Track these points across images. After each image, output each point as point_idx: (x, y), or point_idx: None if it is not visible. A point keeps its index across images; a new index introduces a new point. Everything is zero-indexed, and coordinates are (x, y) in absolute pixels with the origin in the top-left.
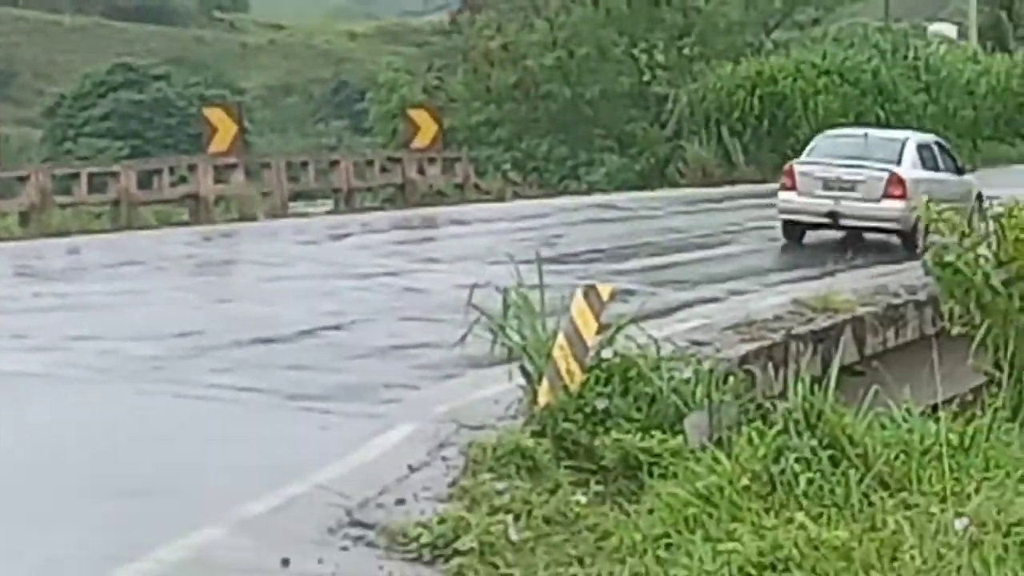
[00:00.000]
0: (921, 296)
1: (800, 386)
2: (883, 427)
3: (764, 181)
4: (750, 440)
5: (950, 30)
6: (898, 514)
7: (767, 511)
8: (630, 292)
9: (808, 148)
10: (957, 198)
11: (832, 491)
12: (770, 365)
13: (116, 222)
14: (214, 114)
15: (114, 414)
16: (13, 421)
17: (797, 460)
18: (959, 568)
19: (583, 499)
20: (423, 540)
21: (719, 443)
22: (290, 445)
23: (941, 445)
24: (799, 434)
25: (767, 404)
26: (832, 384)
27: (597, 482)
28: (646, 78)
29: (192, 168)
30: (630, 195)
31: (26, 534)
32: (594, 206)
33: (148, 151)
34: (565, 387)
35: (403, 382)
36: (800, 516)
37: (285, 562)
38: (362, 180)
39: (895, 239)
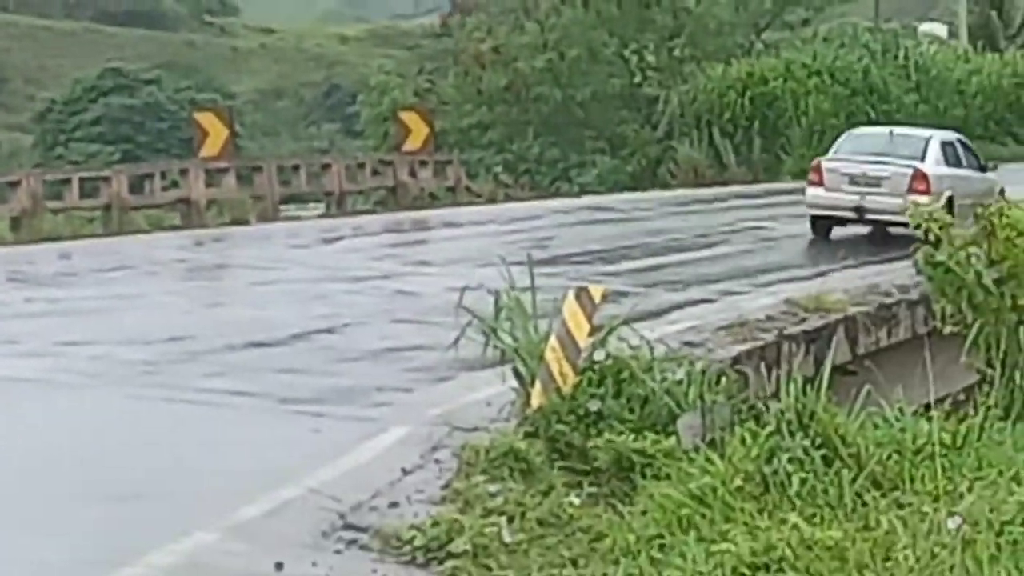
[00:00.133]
0: (913, 295)
1: (793, 386)
2: (876, 427)
3: (755, 181)
4: (743, 441)
5: (940, 30)
6: (891, 513)
7: (760, 511)
8: (622, 293)
9: (835, 145)
10: (980, 194)
11: (825, 491)
12: (763, 365)
13: (108, 227)
14: (205, 118)
15: (106, 419)
16: (5, 426)
17: (790, 460)
18: (952, 567)
19: (576, 501)
20: (416, 543)
21: (712, 444)
22: (283, 449)
23: (934, 444)
24: (792, 434)
25: (760, 405)
26: (825, 384)
27: (590, 483)
28: (637, 80)
29: (183, 172)
30: (622, 196)
31: (17, 539)
32: (586, 208)
33: (139, 156)
34: (558, 389)
35: (396, 385)
36: (793, 516)
37: (278, 566)
38: (354, 183)
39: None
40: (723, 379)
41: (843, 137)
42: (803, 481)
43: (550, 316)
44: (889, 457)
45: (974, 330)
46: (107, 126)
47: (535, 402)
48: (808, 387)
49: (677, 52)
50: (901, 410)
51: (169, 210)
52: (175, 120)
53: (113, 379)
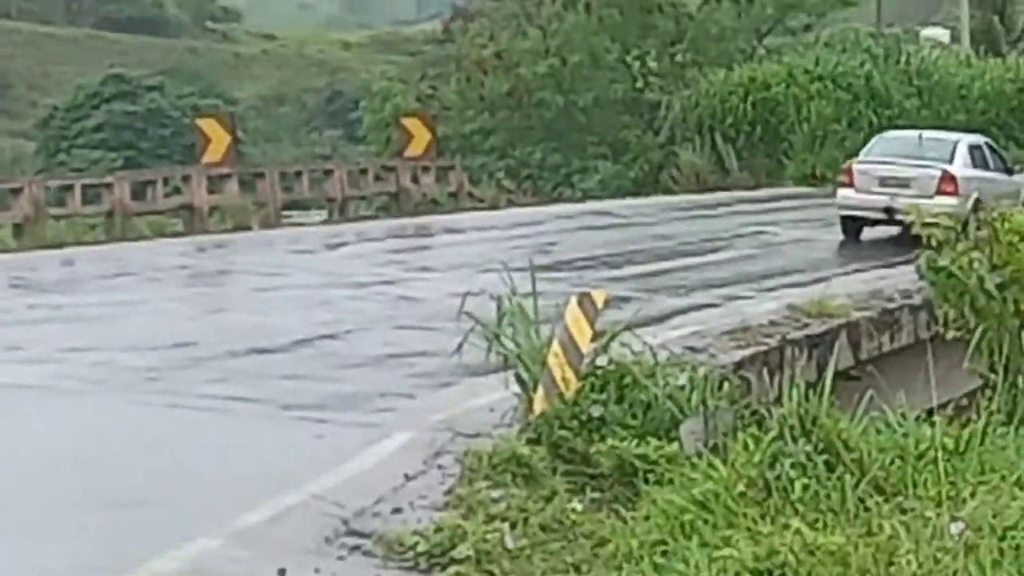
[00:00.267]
0: (916, 300)
1: (795, 392)
2: (878, 432)
3: (758, 187)
4: (746, 446)
5: (942, 35)
6: (894, 519)
7: (763, 517)
8: (625, 299)
9: (865, 148)
10: (1006, 196)
11: (828, 496)
12: (765, 371)
13: (110, 233)
14: (207, 124)
15: (108, 425)
16: (7, 433)
17: (793, 466)
18: (955, 572)
19: (579, 506)
20: (419, 549)
21: (715, 449)
22: (285, 454)
23: (936, 449)
24: (794, 440)
25: (762, 410)
26: (827, 389)
27: (593, 489)
28: (639, 85)
29: (186, 179)
30: (624, 202)
31: (19, 546)
32: (588, 213)
33: (142, 162)
34: (560, 395)
35: (399, 391)
36: (796, 522)
37: (281, 572)
38: (356, 189)
39: None
40: (726, 384)
41: (873, 140)
42: (806, 486)
43: (552, 322)
44: (892, 462)
45: (977, 335)
46: (110, 132)
47: (538, 408)
48: (811, 392)
49: (679, 57)
50: (904, 415)
51: (171, 216)
52: (177, 126)
53: (116, 385)
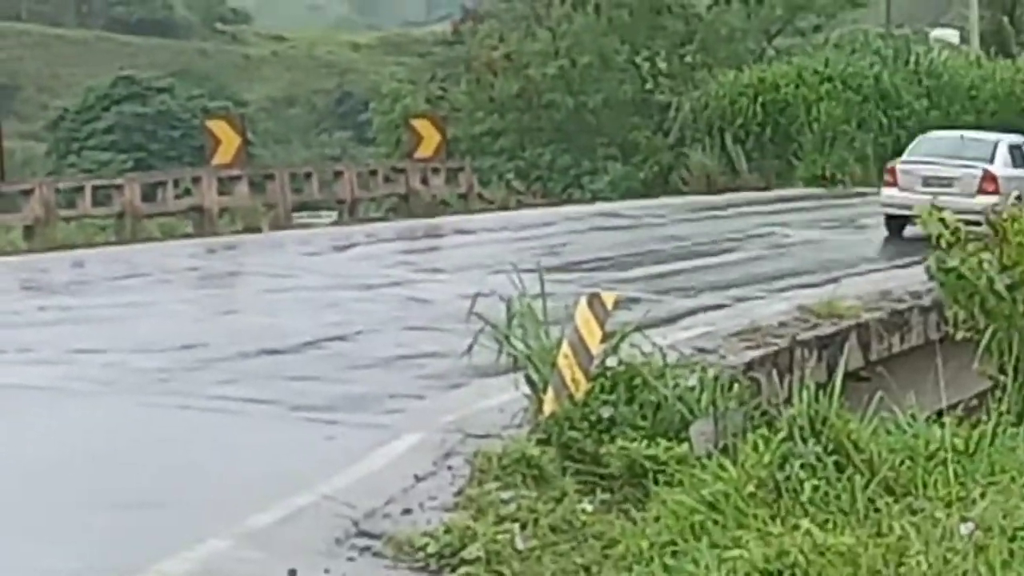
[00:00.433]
0: (926, 301)
1: (805, 392)
2: (888, 433)
3: (767, 188)
4: (755, 447)
5: (952, 36)
6: (904, 519)
7: (773, 518)
8: (634, 300)
9: (908, 149)
10: None
11: (838, 497)
12: (775, 372)
13: (120, 235)
14: (217, 126)
15: (119, 426)
16: (18, 434)
17: (803, 467)
18: (965, 573)
19: (589, 507)
20: (429, 550)
21: (724, 450)
22: (296, 456)
23: (946, 450)
24: (804, 440)
25: (772, 411)
26: (837, 390)
27: (603, 490)
28: (648, 86)
29: (196, 180)
30: (634, 203)
31: (30, 547)
32: (598, 214)
33: (152, 164)
34: (570, 395)
35: (408, 392)
36: (806, 522)
37: (292, 573)
38: (366, 191)
39: None
40: (736, 385)
41: (916, 140)
42: (815, 487)
43: (562, 323)
44: (902, 463)
45: (986, 336)
46: (120, 134)
47: (547, 409)
48: (820, 393)
49: (689, 59)
50: (913, 416)
51: (182, 218)
52: (187, 128)
53: (126, 387)
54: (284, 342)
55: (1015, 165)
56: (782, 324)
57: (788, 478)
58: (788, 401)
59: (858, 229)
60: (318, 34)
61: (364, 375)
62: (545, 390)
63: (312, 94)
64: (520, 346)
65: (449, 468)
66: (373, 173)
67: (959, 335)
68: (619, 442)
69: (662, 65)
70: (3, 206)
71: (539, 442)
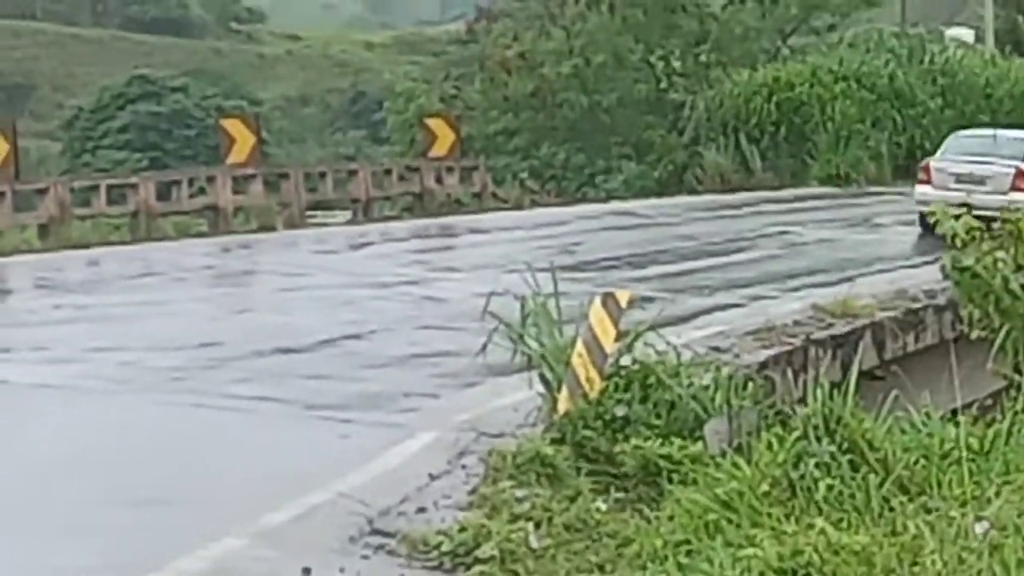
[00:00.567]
0: (940, 300)
1: (819, 391)
2: (903, 432)
3: (782, 187)
4: (770, 446)
5: (967, 34)
6: (918, 518)
7: (787, 517)
8: (649, 299)
9: (942, 147)
10: None
11: (852, 496)
12: (789, 371)
13: (135, 234)
14: (232, 125)
15: (134, 425)
16: (33, 433)
17: (817, 465)
18: (979, 572)
19: (603, 506)
20: (444, 548)
21: (739, 449)
22: (310, 454)
23: (961, 449)
24: (819, 439)
25: (787, 410)
26: (852, 389)
27: (617, 489)
28: (663, 85)
29: (211, 179)
30: (648, 202)
31: (45, 545)
32: (612, 213)
33: (166, 163)
34: (584, 394)
35: (423, 391)
36: (820, 521)
37: (306, 571)
38: (380, 189)
39: None
40: (750, 384)
41: (950, 138)
42: (830, 486)
43: (577, 322)
44: (916, 462)
45: (1001, 335)
46: (134, 133)
47: (562, 408)
48: (835, 392)
49: (703, 58)
50: (928, 415)
51: (196, 217)
52: (202, 127)
53: (141, 385)
54: (299, 341)
55: None
56: (796, 323)
57: (802, 477)
58: (802, 400)
59: (872, 228)
60: (332, 33)
61: (379, 374)
62: (559, 389)
63: (326, 93)
64: (534, 345)
65: (463, 467)
66: (387, 172)
67: (974, 334)
68: (633, 441)
69: (676, 64)
70: (18, 205)
71: (553, 441)
